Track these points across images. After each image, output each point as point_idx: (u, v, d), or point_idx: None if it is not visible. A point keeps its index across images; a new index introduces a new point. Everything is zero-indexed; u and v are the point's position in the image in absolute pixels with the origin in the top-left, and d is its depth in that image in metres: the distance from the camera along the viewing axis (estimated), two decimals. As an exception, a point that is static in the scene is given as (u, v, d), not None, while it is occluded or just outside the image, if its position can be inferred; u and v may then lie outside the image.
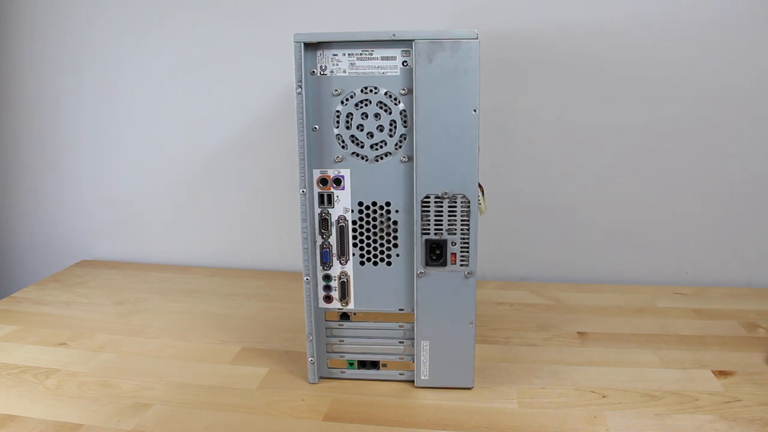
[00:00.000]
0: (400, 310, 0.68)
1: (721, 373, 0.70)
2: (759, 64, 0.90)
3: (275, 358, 0.76)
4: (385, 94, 0.62)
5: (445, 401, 0.66)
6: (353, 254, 0.66)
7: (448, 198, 0.63)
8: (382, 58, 0.61)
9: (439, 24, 0.95)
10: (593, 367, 0.72)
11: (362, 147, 0.64)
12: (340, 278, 0.67)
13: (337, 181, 0.65)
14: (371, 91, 0.62)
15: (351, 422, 0.62)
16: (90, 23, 1.05)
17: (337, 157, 0.64)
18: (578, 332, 0.81)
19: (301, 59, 0.61)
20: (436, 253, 0.64)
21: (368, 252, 0.66)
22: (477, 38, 0.59)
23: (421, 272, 0.65)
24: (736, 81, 0.91)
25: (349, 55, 0.62)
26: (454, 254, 0.64)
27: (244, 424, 0.62)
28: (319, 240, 0.66)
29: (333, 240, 0.66)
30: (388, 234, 0.66)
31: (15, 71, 1.10)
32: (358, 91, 0.62)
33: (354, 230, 0.66)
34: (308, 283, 0.67)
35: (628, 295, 0.94)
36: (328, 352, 0.70)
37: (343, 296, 0.68)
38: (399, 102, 0.62)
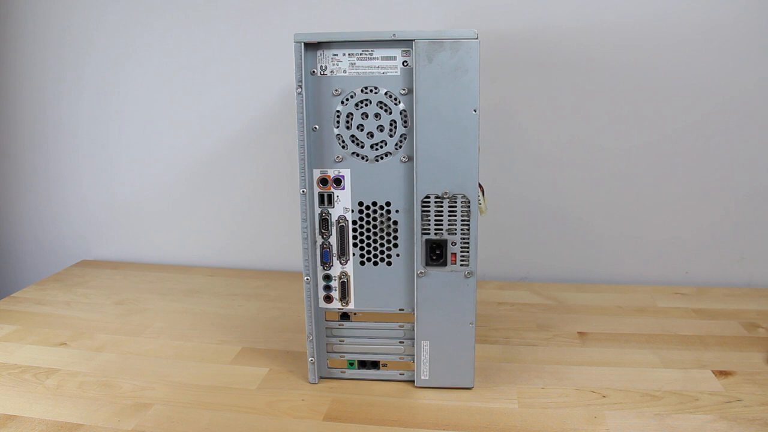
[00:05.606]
0: (400, 310, 0.68)
1: (721, 373, 0.70)
2: (762, 65, 0.90)
3: (275, 358, 0.76)
4: (385, 94, 0.62)
5: (445, 401, 0.66)
6: (353, 254, 0.66)
7: (448, 198, 0.63)
8: (383, 58, 0.61)
9: (439, 24, 0.95)
10: (593, 367, 0.72)
11: (362, 147, 0.64)
12: (340, 278, 0.67)
13: (338, 181, 0.65)
14: (371, 91, 0.62)
15: (351, 422, 0.62)
16: (90, 24, 1.05)
17: (337, 157, 0.64)
18: (578, 332, 0.81)
19: (301, 59, 0.61)
20: (436, 253, 0.64)
21: (368, 252, 0.66)
22: (477, 38, 0.59)
23: (421, 272, 0.65)
24: (736, 82, 0.91)
25: (349, 55, 0.62)
26: (454, 254, 0.64)
27: (244, 424, 0.62)
28: (319, 240, 0.66)
29: (333, 240, 0.66)
30: (388, 234, 0.66)
31: (15, 71, 1.10)
32: (358, 91, 0.62)
33: (354, 230, 0.66)
34: (308, 283, 0.67)
35: (628, 295, 0.94)
36: (328, 352, 0.70)
37: (343, 296, 0.68)
38: (399, 102, 0.62)
